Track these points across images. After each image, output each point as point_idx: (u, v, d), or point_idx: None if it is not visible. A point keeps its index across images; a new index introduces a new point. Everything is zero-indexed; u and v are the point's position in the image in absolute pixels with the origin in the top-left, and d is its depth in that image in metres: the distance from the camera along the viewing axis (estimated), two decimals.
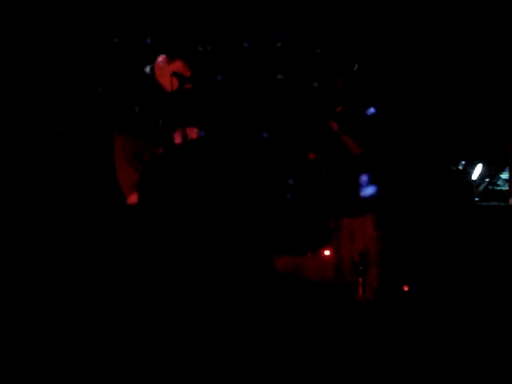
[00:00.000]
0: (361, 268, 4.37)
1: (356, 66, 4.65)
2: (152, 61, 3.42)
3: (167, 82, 3.39)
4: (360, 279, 4.37)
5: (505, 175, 5.68)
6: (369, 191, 4.44)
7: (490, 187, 5.73)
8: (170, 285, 3.11)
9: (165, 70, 3.39)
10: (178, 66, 3.39)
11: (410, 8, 5.60)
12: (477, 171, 5.78)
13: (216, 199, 3.36)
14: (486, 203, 5.62)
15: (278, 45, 5.46)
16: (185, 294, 3.14)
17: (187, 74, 3.41)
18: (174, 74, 3.37)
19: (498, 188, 5.69)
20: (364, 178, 4.43)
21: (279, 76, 5.40)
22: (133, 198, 3.27)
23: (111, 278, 3.55)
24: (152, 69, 3.38)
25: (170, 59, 3.39)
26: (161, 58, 3.38)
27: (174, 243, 3.16)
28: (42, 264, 4.32)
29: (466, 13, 5.64)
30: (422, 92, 5.76)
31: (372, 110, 4.50)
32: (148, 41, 3.88)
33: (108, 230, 4.42)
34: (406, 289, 4.81)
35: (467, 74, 5.81)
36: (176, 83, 3.38)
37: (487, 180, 5.77)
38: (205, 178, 3.33)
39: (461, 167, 5.76)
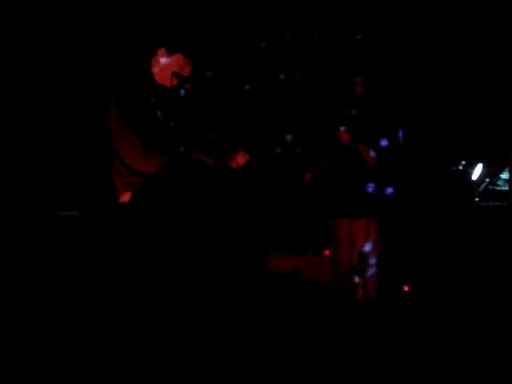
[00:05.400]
0: (360, 268, 4.36)
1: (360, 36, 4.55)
2: (149, 56, 3.38)
3: (167, 77, 3.35)
4: (360, 280, 4.37)
5: (505, 175, 5.69)
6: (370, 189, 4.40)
7: (490, 187, 5.73)
8: (166, 285, 3.11)
9: (165, 65, 3.34)
10: (179, 59, 3.34)
11: (410, 8, 5.60)
12: (477, 171, 5.78)
13: (216, 199, 3.35)
14: (486, 203, 5.62)
15: (287, 40, 5.40)
16: (182, 294, 3.13)
17: (188, 68, 3.36)
18: (174, 74, 3.33)
19: (498, 188, 5.69)
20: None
21: (286, 75, 5.36)
22: (125, 197, 3.25)
23: (105, 277, 3.55)
24: (147, 66, 3.34)
25: (170, 53, 3.34)
26: (160, 53, 3.34)
27: (172, 243, 3.15)
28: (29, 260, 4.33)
29: (466, 13, 5.65)
30: (422, 92, 5.76)
31: (385, 143, 4.35)
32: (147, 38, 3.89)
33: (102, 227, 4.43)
34: (406, 289, 4.81)
35: (467, 74, 5.81)
36: (176, 83, 3.35)
37: (487, 180, 5.77)
38: (204, 177, 3.32)
39: (461, 167, 5.77)
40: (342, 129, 4.33)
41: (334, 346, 3.73)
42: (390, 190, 4.42)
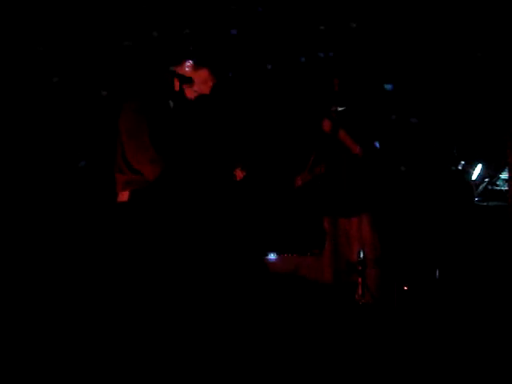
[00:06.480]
0: (359, 268, 4.37)
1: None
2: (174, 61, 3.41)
3: (189, 88, 3.38)
4: (359, 279, 4.38)
5: (504, 175, 5.67)
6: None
7: (490, 187, 5.72)
8: (165, 285, 3.11)
9: (189, 75, 3.38)
10: (204, 74, 3.38)
11: (409, 8, 5.61)
12: (476, 171, 5.77)
13: (215, 200, 3.35)
14: (485, 203, 5.61)
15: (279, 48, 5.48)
16: (182, 294, 3.13)
17: (210, 83, 3.40)
18: (176, 75, 3.35)
19: (498, 188, 5.68)
20: None
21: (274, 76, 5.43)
22: (124, 196, 3.25)
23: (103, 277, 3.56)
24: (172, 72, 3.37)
25: (197, 66, 3.37)
26: (188, 64, 3.36)
27: (171, 242, 3.16)
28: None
29: (466, 13, 5.65)
30: (422, 92, 5.76)
31: (389, 87, 4.55)
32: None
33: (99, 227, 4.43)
34: (405, 289, 4.81)
35: (467, 74, 5.81)
36: (177, 84, 3.37)
37: (487, 180, 5.76)
38: (204, 177, 3.33)
39: (461, 167, 5.75)
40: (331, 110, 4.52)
41: (333, 345, 3.73)
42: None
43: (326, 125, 4.53)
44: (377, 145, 4.57)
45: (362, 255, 4.38)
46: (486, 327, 4.10)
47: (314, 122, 4.71)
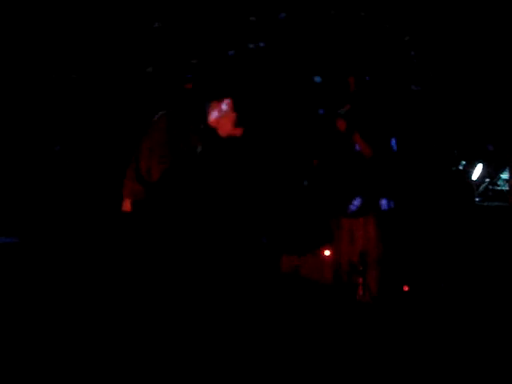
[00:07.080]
0: (360, 268, 4.36)
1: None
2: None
3: (222, 126, 3.39)
4: (360, 279, 4.37)
5: (505, 175, 5.69)
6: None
7: (490, 187, 5.74)
8: (168, 284, 3.11)
9: (226, 115, 3.38)
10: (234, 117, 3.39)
11: (414, 10, 5.62)
12: (477, 171, 5.78)
13: (218, 200, 3.35)
14: (486, 203, 5.62)
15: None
16: (184, 293, 3.13)
17: (240, 129, 3.41)
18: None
19: (498, 188, 5.70)
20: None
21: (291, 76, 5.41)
22: (127, 205, 3.27)
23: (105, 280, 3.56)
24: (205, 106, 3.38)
25: (234, 108, 3.38)
26: (226, 102, 3.37)
27: (174, 241, 3.16)
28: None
29: (467, 14, 5.66)
30: (423, 92, 5.77)
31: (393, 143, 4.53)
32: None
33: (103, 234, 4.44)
34: (406, 289, 4.81)
35: (468, 74, 5.82)
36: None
37: (487, 180, 5.78)
38: (206, 177, 3.33)
39: (461, 167, 5.77)
40: (341, 112, 4.51)
41: (333, 345, 3.73)
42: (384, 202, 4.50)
43: (341, 124, 4.49)
44: (393, 145, 4.54)
45: (363, 255, 4.38)
46: (487, 327, 4.10)
47: (322, 122, 4.69)
